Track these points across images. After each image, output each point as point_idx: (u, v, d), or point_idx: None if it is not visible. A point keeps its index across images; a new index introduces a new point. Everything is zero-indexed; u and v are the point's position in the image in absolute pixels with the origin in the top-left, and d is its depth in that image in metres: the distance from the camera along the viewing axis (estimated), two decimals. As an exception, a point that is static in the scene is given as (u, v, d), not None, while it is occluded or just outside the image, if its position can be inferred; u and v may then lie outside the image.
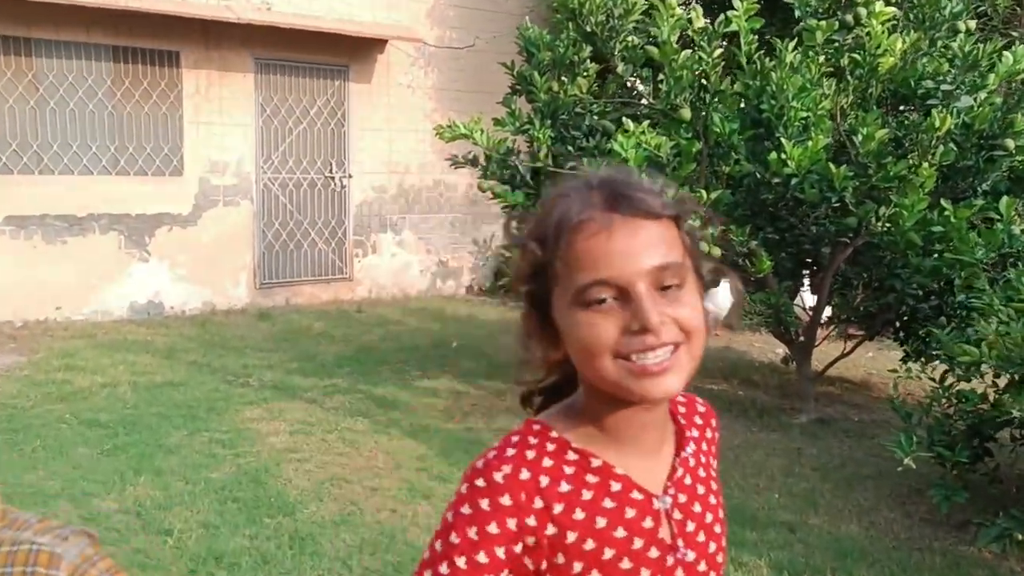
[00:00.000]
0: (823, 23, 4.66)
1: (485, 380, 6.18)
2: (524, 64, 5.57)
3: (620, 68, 5.13)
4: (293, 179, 8.86)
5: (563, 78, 5.24)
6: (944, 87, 4.61)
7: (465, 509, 0.96)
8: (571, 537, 0.97)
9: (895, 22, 4.79)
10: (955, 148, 4.63)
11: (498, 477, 0.96)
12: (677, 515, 1.03)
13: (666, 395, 0.96)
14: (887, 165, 4.51)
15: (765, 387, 6.17)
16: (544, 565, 0.97)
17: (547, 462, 0.98)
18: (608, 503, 0.99)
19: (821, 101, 4.62)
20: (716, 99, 4.84)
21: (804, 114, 4.57)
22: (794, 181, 4.55)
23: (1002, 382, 3.74)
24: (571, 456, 1.00)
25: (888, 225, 4.57)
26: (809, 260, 5.60)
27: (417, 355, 6.91)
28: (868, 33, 4.53)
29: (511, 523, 0.94)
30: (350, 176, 9.19)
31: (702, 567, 1.04)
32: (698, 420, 1.13)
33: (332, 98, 9.01)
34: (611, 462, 1.01)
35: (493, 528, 0.94)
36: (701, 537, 1.04)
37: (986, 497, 3.86)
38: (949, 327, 4.30)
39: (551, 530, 0.96)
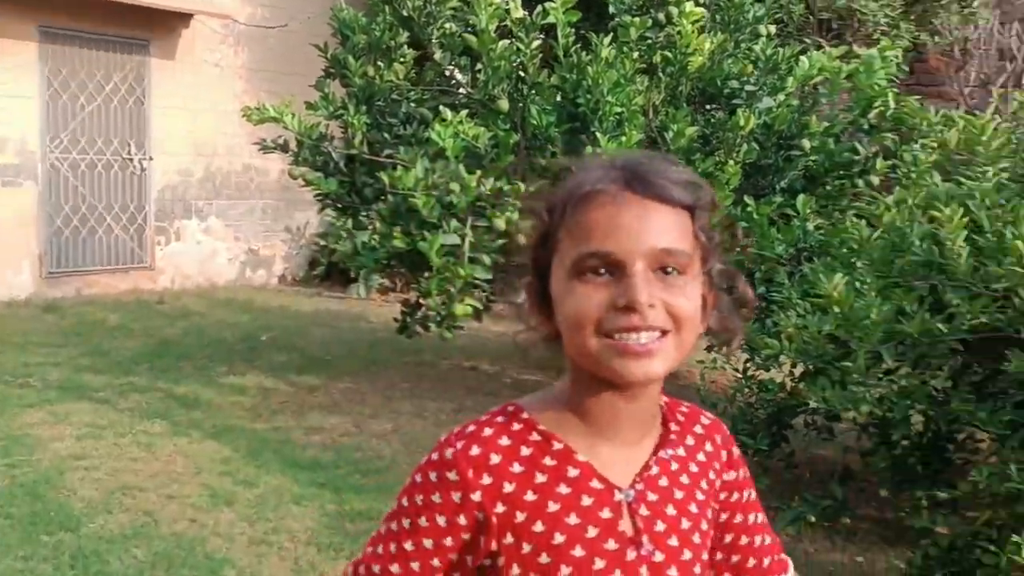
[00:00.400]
0: (636, 20, 4.74)
1: (296, 375, 5.92)
2: (339, 47, 5.35)
3: (438, 55, 5.02)
4: (86, 159, 8.18)
5: (379, 63, 5.06)
6: (748, 88, 4.80)
7: (417, 477, 1.00)
8: (520, 517, 0.97)
9: (704, 23, 4.94)
10: (757, 147, 4.83)
11: (448, 453, 0.98)
12: (644, 511, 1.01)
13: (645, 378, 0.95)
14: (696, 162, 4.64)
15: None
16: (494, 545, 0.97)
17: (504, 441, 0.99)
18: (563, 488, 0.98)
19: (634, 97, 4.70)
20: (534, 91, 4.82)
21: (619, 109, 4.63)
22: (609, 175, 4.59)
23: (798, 371, 3.92)
24: (534, 437, 1.00)
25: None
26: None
27: (223, 349, 6.54)
28: (679, 32, 4.64)
29: (455, 495, 0.97)
30: (150, 158, 8.59)
31: (672, 572, 1.01)
32: (698, 429, 1.10)
33: (131, 74, 8.39)
34: (576, 448, 1.00)
35: (436, 498, 0.97)
36: (673, 541, 1.01)
37: (783, 482, 4.04)
38: (752, 320, 4.48)
39: (500, 508, 0.97)
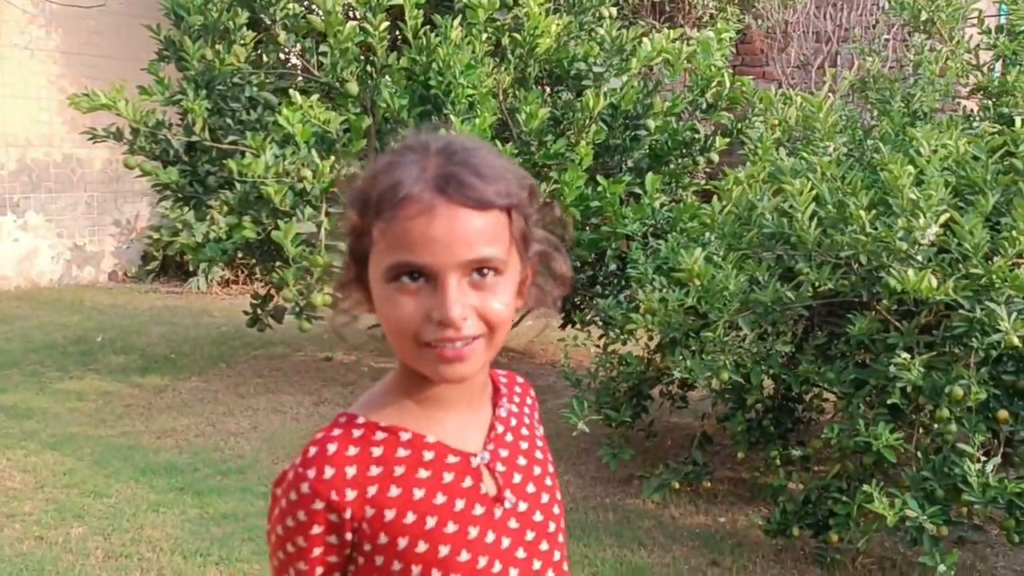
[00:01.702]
0: (484, 1, 4.73)
1: (139, 376, 5.60)
2: (172, 28, 5.06)
3: (281, 37, 4.83)
4: None
5: (218, 46, 4.82)
6: (595, 69, 4.89)
7: (289, 522, 0.99)
8: (389, 515, 0.99)
9: (550, 4, 4.99)
10: (605, 127, 4.94)
11: (305, 488, 0.98)
12: (500, 468, 1.06)
13: (459, 380, 0.99)
14: (547, 143, 4.70)
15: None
16: (368, 547, 0.99)
17: (351, 451, 1.00)
18: (423, 473, 1.01)
19: (485, 79, 4.70)
20: (384, 74, 4.74)
21: (470, 91, 4.62)
22: (463, 158, 4.58)
23: (653, 343, 4.05)
24: (379, 436, 1.01)
25: (550, 200, 4.77)
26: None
27: (54, 354, 6.10)
28: (526, 14, 4.67)
29: (332, 517, 0.98)
30: (-44, 149, 7.87)
31: (537, 516, 1.07)
32: (517, 389, 1.16)
33: (-73, 57, 7.64)
34: (422, 431, 1.03)
35: (316, 529, 0.98)
36: (531, 488, 1.08)
37: (645, 452, 4.18)
38: (607, 296, 4.60)
39: (370, 512, 0.98)
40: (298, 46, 5.01)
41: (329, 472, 0.98)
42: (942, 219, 2.68)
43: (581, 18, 5.15)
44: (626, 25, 5.40)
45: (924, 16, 3.81)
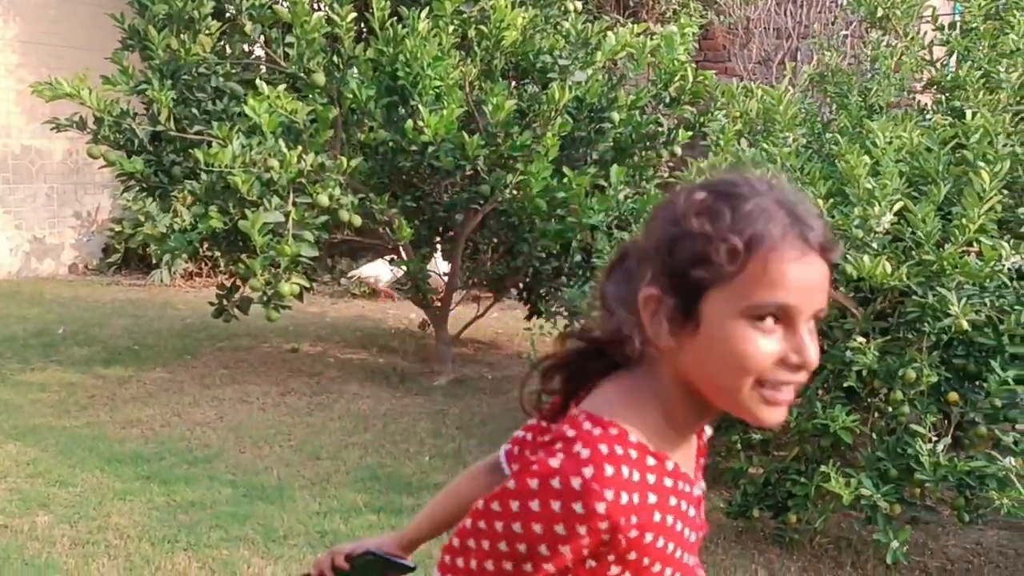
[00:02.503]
0: (452, -7, 4.76)
1: (103, 368, 5.57)
2: (136, 17, 5.03)
3: (247, 27, 4.82)
4: None
5: (183, 35, 4.80)
6: (561, 62, 4.94)
7: (560, 529, 0.96)
8: (648, 538, 1.00)
9: (516, -2, 5.03)
10: (571, 120, 4.99)
11: (600, 508, 0.95)
12: (697, 492, 1.10)
13: (775, 425, 1.02)
14: (514, 135, 4.74)
15: (404, 353, 6.26)
16: (612, 557, 0.99)
17: (636, 476, 0.98)
18: (673, 500, 1.03)
19: (451, 71, 4.73)
20: (350, 65, 4.75)
21: (438, 83, 4.65)
22: (430, 149, 4.62)
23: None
24: (650, 462, 1.01)
25: (516, 192, 4.83)
26: (442, 227, 5.75)
27: (15, 346, 6.03)
28: (492, 7, 4.71)
29: (604, 538, 0.97)
30: (-89, 139, 7.73)
31: (700, 535, 1.13)
32: None
33: None
34: (675, 458, 1.04)
35: (584, 543, 0.97)
36: (702, 511, 1.15)
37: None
38: (572, 286, 4.66)
39: (634, 533, 0.98)
40: (264, 36, 5.00)
41: (625, 498, 0.96)
42: (896, 207, 2.77)
43: (547, 11, 5.20)
44: (591, 19, 5.46)
45: (880, 13, 3.91)
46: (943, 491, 3.04)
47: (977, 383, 2.86)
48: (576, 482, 0.95)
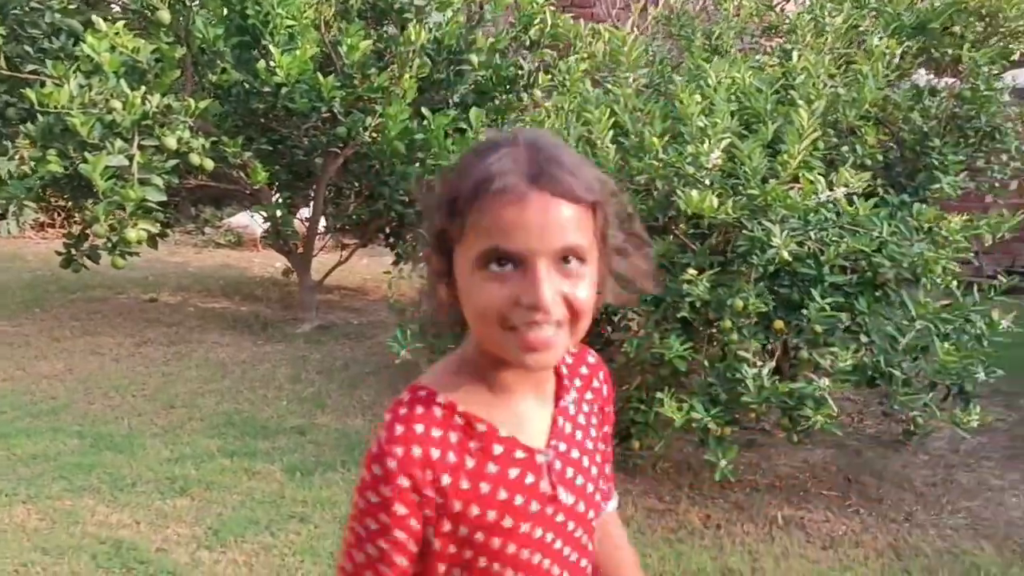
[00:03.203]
0: (303, -70, 4.62)
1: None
2: (-41, -55, 4.69)
3: (84, -41, 4.57)
4: None
5: (12, -34, 4.52)
6: (417, 3, 4.89)
7: (372, 497, 1.00)
8: (457, 506, 1.00)
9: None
10: (429, 62, 4.96)
11: (392, 465, 0.98)
12: (558, 465, 1.07)
13: (543, 369, 1.02)
14: (371, 76, 4.69)
15: (267, 301, 6.17)
16: (432, 532, 1.01)
17: (435, 432, 1.00)
18: (491, 467, 1.02)
19: (306, 10, 4.61)
20: (198, 2, 4.57)
21: (290, 22, 4.53)
22: (284, 91, 4.51)
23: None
24: (458, 421, 1.02)
25: (375, 135, 4.78)
26: (303, 171, 5.65)
27: None
28: (346, -56, 4.61)
29: (413, 497, 0.99)
30: None
31: (580, 507, 1.09)
32: (584, 370, 1.16)
33: None
34: (495, 422, 1.03)
35: (400, 509, 0.99)
36: (580, 481, 1.09)
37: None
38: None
39: (439, 500, 1.00)
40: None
41: (417, 451, 0.98)
42: (723, 144, 2.89)
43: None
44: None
45: (724, -42, 4.02)
46: (776, 415, 3.24)
47: (801, 311, 3.03)
48: (375, 448, 1.00)
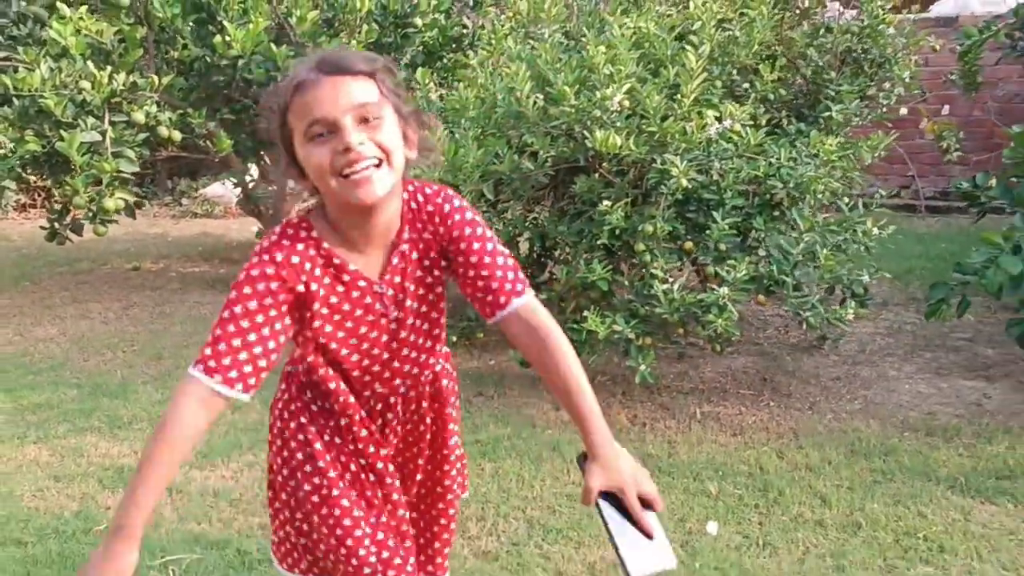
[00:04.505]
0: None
1: (-60, 300, 5.65)
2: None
3: (44, -50, 4.87)
4: None
5: (-23, -41, 4.81)
6: (360, -28, 5.21)
7: (253, 271, 1.38)
8: (315, 305, 1.43)
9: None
10: (377, 27, 5.30)
11: (273, 259, 1.40)
12: (390, 292, 1.49)
13: (373, 199, 1.37)
14: (322, 44, 5.02)
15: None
16: (296, 315, 1.43)
17: (300, 247, 1.42)
18: (340, 288, 1.46)
19: (257, -15, 4.93)
20: (153, -17, 4.89)
21: (242, -2, 4.86)
22: (241, 63, 4.85)
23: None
24: (322, 251, 1.44)
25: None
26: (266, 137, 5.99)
27: None
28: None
29: (286, 285, 1.40)
30: None
31: (414, 322, 1.52)
32: (429, 207, 1.50)
33: None
34: (346, 260, 1.45)
35: (274, 284, 1.39)
36: (411, 303, 1.51)
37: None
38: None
39: (301, 291, 1.41)
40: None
41: (295, 259, 1.40)
42: (625, 88, 3.28)
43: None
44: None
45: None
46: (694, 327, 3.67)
47: (706, 232, 3.44)
48: (257, 252, 1.43)
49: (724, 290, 3.25)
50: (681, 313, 3.33)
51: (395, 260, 1.49)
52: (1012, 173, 3.91)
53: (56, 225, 5.30)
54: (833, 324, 3.30)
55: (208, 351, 1.36)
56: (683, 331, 3.73)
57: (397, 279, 1.50)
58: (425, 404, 1.64)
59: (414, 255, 1.51)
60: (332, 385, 1.52)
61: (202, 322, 5.04)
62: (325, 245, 1.44)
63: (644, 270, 3.52)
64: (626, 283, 3.56)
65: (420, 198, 1.51)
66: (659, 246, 3.41)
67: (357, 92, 1.36)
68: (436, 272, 1.53)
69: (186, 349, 4.58)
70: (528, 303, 1.48)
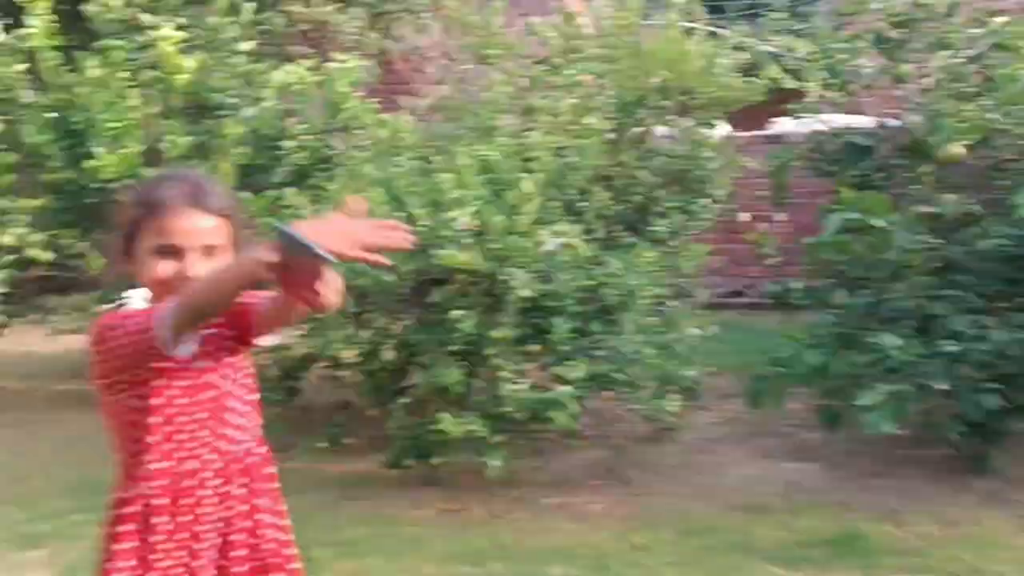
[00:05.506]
0: (121, 43, 5.21)
1: None
2: None
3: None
4: None
5: None
6: (230, 100, 5.53)
7: (111, 324, 1.66)
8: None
9: (187, 43, 5.54)
10: (249, 150, 5.59)
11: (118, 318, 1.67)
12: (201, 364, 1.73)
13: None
14: (193, 166, 5.27)
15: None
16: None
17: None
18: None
19: (130, 112, 5.17)
20: (25, 113, 5.07)
21: (114, 125, 5.08)
22: (112, 185, 5.05)
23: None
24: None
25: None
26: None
27: None
28: (160, 55, 5.21)
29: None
30: None
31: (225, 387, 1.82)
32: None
33: None
34: None
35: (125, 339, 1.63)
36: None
37: (300, 423, 4.90)
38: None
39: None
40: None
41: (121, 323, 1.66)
42: (469, 210, 3.66)
43: (216, 54, 5.75)
44: (258, 60, 6.03)
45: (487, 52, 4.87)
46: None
47: (548, 336, 3.80)
48: (99, 323, 1.69)
49: (567, 388, 3.60)
50: (526, 411, 3.65)
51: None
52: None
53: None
54: (658, 417, 3.68)
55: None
56: (534, 428, 4.04)
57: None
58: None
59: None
60: None
61: (70, 442, 5.05)
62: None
63: (496, 372, 3.84)
64: (483, 384, 3.87)
65: None
66: (508, 350, 3.75)
67: (209, 232, 1.66)
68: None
69: (54, 468, 4.59)
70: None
